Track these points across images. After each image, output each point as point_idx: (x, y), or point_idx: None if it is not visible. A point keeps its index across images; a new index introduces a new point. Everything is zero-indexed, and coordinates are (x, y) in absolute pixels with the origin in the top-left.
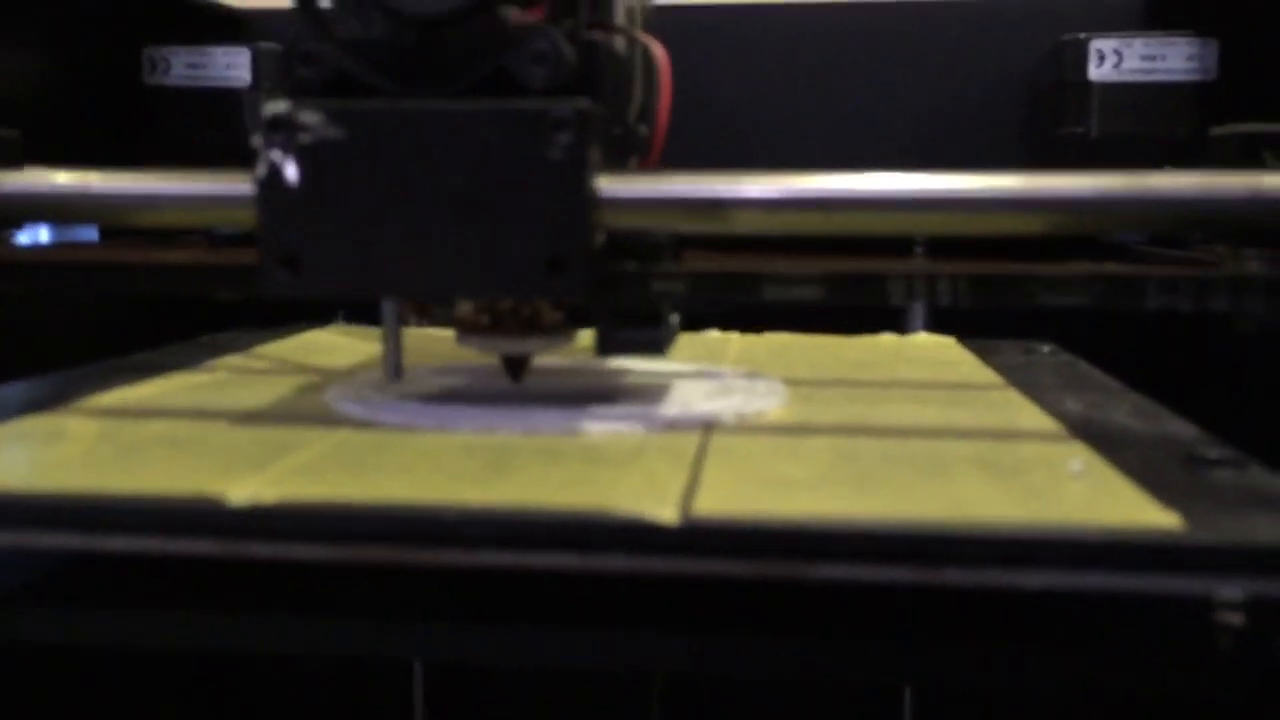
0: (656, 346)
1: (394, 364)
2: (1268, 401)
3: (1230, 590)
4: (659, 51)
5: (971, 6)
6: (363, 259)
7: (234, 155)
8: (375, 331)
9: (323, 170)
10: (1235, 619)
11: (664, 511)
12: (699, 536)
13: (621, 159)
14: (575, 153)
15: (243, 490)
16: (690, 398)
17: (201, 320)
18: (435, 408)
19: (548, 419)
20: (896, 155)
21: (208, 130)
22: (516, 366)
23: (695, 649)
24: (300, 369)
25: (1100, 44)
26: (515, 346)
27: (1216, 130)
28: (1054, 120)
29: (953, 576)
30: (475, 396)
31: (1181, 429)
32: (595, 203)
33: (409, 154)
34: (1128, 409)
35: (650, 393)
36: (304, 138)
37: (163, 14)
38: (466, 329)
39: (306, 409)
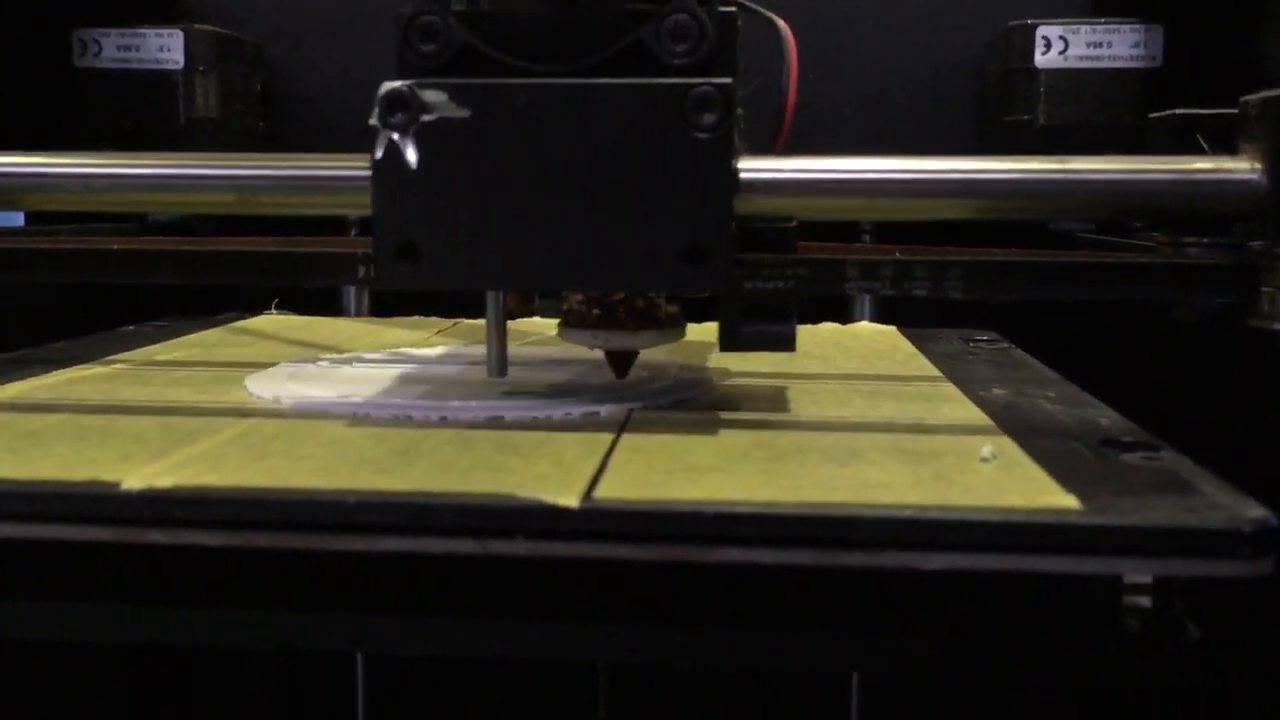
0: (788, 341)
1: (498, 357)
2: (1208, 390)
3: (1135, 571)
4: (783, 25)
5: None
6: (487, 249)
7: (166, 139)
8: (305, 321)
9: (445, 153)
10: (1142, 601)
11: (565, 496)
12: (599, 521)
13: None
14: (720, 133)
15: (138, 476)
16: (615, 385)
17: (132, 309)
18: (354, 395)
19: (465, 407)
20: (845, 143)
21: (140, 114)
22: (622, 362)
23: (639, 639)
24: (223, 358)
25: (1046, 30)
26: (627, 341)
27: (1153, 115)
28: (1001, 107)
29: (852, 560)
30: (400, 385)
31: (1103, 415)
32: (736, 188)
33: (539, 135)
34: (1053, 396)
35: (574, 381)
36: (425, 117)
37: None
38: (574, 321)
39: (222, 397)
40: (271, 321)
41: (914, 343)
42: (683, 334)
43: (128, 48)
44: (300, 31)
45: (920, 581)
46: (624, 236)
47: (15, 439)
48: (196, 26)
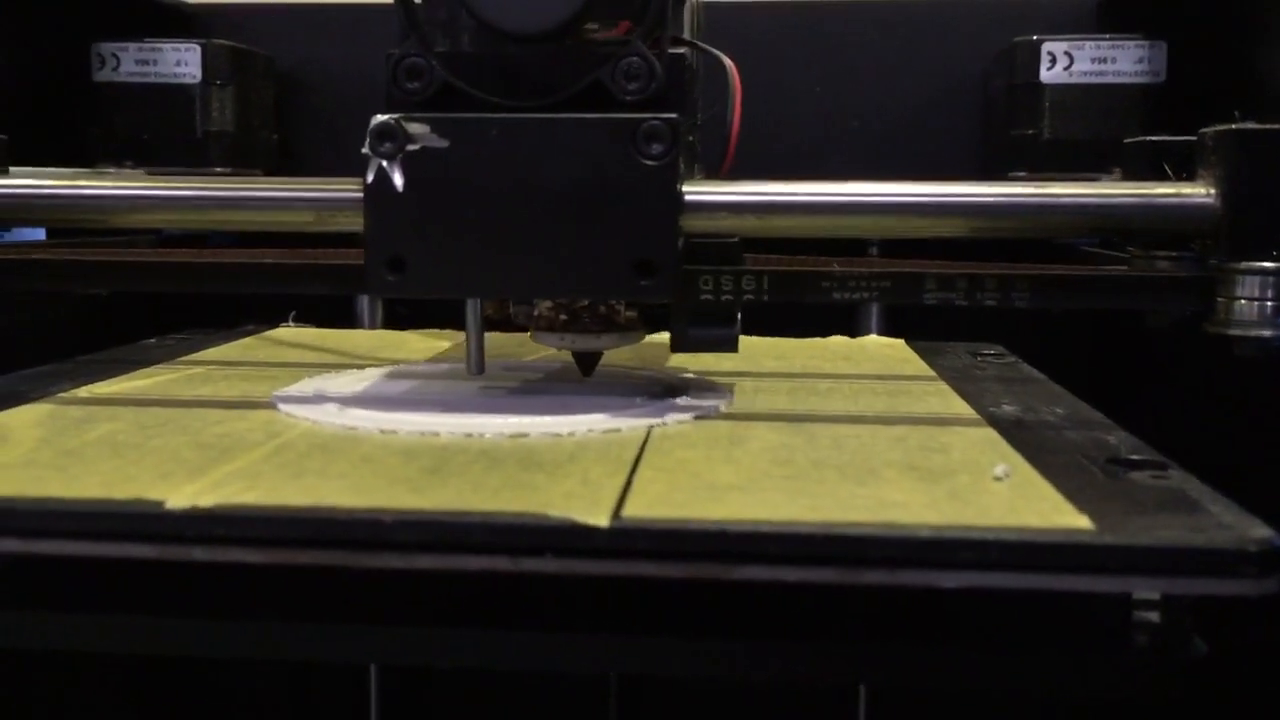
0: (731, 343)
1: (476, 360)
2: (1218, 408)
3: (1145, 589)
4: (729, 64)
5: (926, 7)
6: (464, 261)
7: (184, 152)
8: (322, 333)
9: (428, 178)
10: (1151, 616)
11: (595, 516)
12: (627, 540)
13: (690, 167)
14: (667, 161)
15: (180, 495)
16: (637, 400)
17: (149, 322)
18: (380, 411)
19: (490, 423)
20: (851, 157)
21: (158, 127)
22: (588, 362)
23: (650, 651)
24: (247, 372)
25: (1051, 46)
26: (590, 343)
27: (1128, 140)
28: (1007, 122)
29: (872, 578)
30: (425, 399)
31: (1111, 432)
32: (682, 208)
33: (510, 163)
34: (1061, 412)
35: (597, 396)
36: (410, 147)
37: (112, 9)
38: (543, 326)
39: (251, 413)
40: (288, 334)
41: (922, 356)
42: (642, 337)
43: (146, 62)
44: (313, 45)
45: (937, 598)
46: (583, 251)
47: (58, 455)
48: (213, 41)
